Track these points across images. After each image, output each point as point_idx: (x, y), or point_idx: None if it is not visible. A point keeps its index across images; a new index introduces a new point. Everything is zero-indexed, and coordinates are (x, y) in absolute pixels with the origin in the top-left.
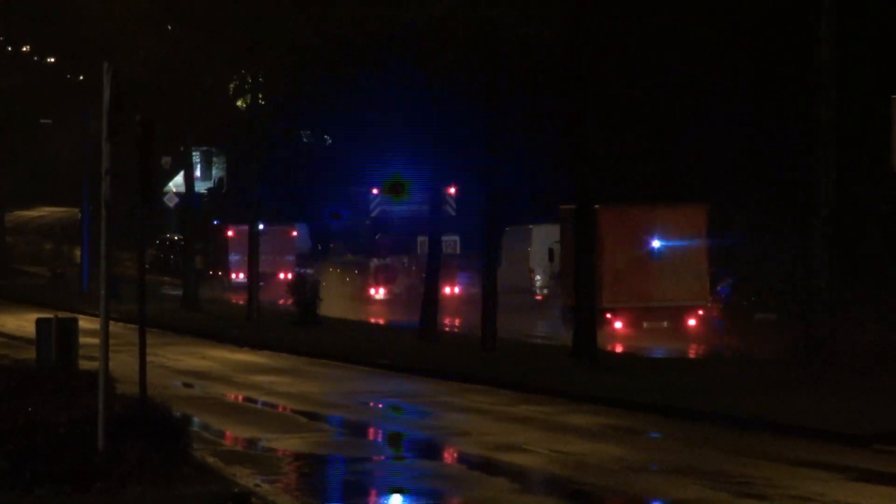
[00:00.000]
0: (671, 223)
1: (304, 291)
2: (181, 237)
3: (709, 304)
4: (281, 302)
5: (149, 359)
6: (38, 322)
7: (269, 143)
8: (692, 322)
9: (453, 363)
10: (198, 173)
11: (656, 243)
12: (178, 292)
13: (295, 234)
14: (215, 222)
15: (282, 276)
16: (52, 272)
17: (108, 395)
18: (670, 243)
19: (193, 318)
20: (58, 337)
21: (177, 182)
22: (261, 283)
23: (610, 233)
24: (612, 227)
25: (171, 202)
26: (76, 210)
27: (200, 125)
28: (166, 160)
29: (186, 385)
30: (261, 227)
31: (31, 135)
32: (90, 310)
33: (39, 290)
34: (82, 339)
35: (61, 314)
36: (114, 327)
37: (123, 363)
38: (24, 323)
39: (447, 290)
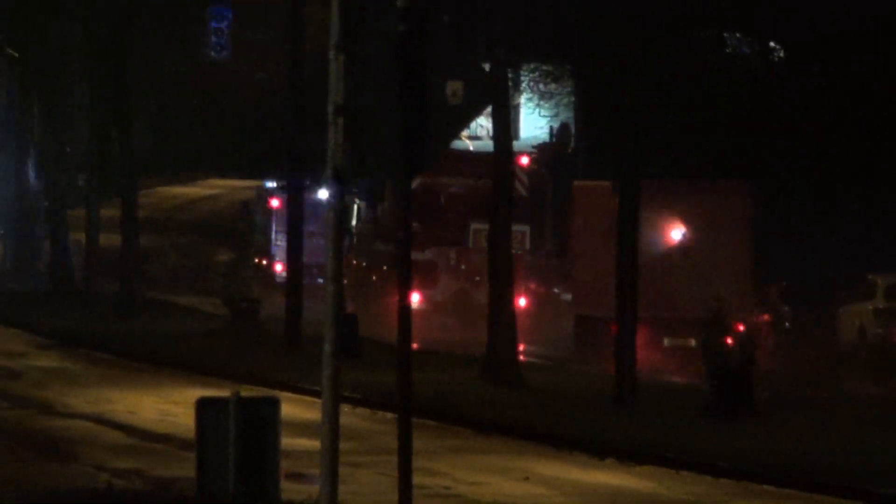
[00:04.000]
0: (703, 206)
1: (730, 352)
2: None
3: (755, 317)
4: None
5: (422, 480)
6: (201, 406)
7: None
8: (729, 340)
9: None
10: (522, 116)
11: (680, 233)
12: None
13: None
14: (266, 185)
15: None
16: (231, 307)
17: None
18: (701, 233)
19: (508, 399)
20: (240, 436)
21: (479, 134)
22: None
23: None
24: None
25: None
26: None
27: (522, 21)
28: (455, 87)
29: None
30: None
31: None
32: (304, 382)
33: (207, 342)
34: (288, 441)
35: (246, 390)
36: (350, 417)
37: (370, 489)
38: (172, 406)
39: (521, 301)
